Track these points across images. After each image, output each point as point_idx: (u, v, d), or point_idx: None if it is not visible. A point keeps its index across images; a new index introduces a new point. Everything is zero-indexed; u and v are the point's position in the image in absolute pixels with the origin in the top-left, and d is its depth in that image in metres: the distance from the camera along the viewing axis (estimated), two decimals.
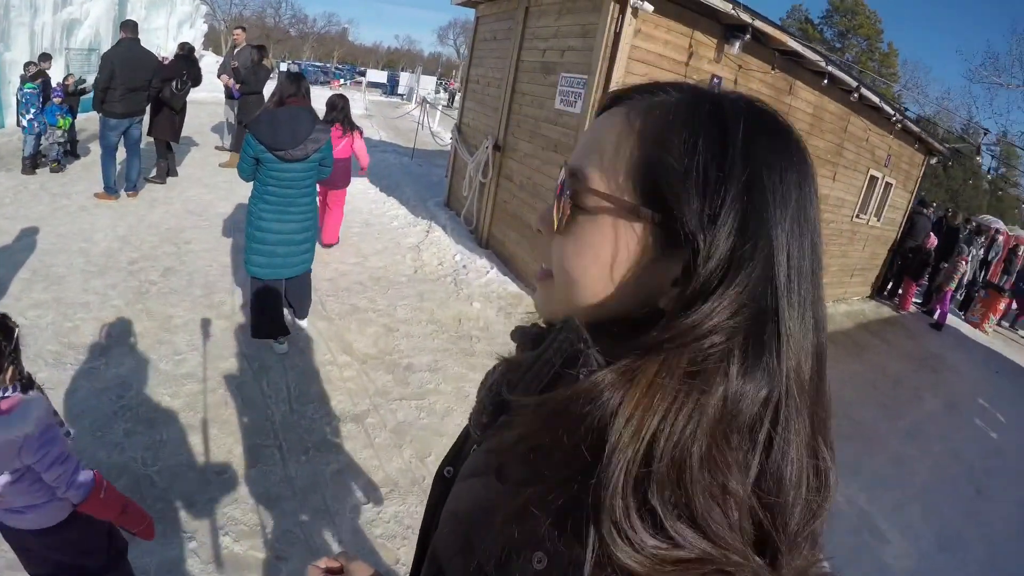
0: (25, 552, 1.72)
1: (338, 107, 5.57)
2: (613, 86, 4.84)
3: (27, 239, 5.77)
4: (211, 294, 5.02)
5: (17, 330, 1.67)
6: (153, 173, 7.88)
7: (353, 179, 6.34)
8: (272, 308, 3.86)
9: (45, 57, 9.11)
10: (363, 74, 44.29)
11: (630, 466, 0.42)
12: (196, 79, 8.08)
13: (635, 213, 0.49)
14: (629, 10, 4.55)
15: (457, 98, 32.97)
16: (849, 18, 37.97)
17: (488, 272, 5.86)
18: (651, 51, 4.91)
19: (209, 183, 8.25)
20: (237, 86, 8.99)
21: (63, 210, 6.61)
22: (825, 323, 0.50)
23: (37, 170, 7.92)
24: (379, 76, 42.65)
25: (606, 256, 0.50)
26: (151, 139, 7.87)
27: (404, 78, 39.59)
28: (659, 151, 0.48)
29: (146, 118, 7.46)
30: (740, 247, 0.45)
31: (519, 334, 0.65)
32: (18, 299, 4.60)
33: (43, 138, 7.97)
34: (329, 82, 37.98)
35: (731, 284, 0.44)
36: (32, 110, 7.78)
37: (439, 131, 15.57)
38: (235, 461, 3.14)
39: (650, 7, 4.50)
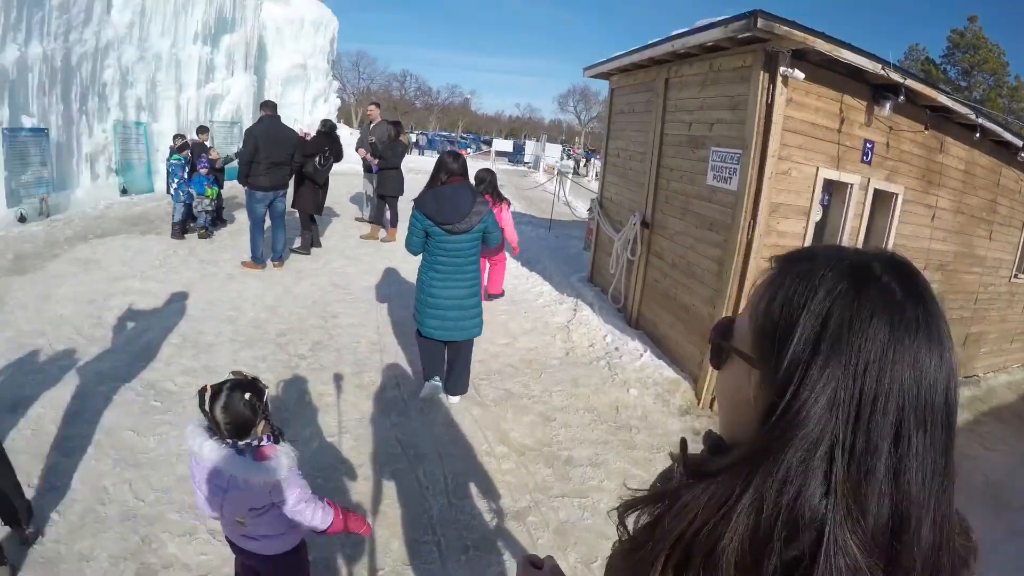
0: (249, 570, 2.54)
1: (486, 180, 7.49)
2: (769, 160, 5.18)
3: (177, 304, 7.17)
4: (361, 372, 5.84)
5: (267, 390, 2.38)
6: (298, 244, 9.64)
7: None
8: (435, 356, 5.17)
9: (203, 130, 11.73)
10: (489, 143, 53.61)
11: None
12: (338, 155, 9.91)
13: (752, 364, 0.77)
14: (780, 78, 5.10)
15: (582, 164, 39.97)
16: (972, 54, 42.42)
17: (642, 355, 6.48)
18: (803, 120, 5.41)
19: (352, 255, 9.86)
20: (376, 161, 10.91)
21: (212, 277, 8.20)
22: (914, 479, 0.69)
23: (186, 235, 10.09)
24: (505, 145, 51.31)
25: (732, 392, 0.82)
26: (295, 211, 9.60)
27: (529, 146, 47.26)
28: (774, 314, 0.74)
29: (290, 191, 9.15)
30: (822, 413, 0.68)
31: (709, 439, 0.89)
32: (168, 364, 5.69)
33: (192, 206, 10.09)
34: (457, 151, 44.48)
35: (800, 446, 0.68)
36: (176, 179, 10.00)
37: (572, 201, 17.55)
38: (393, 557, 3.56)
39: (801, 74, 5.02)
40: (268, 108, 8.60)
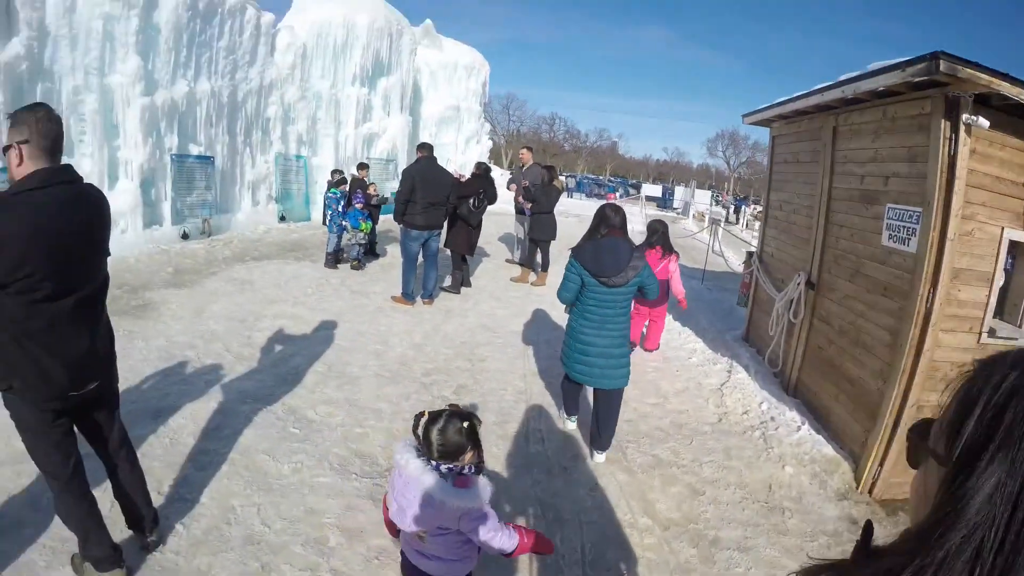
0: None
1: (659, 231, 7.62)
2: (952, 219, 4.64)
3: (325, 332, 7.16)
4: (505, 423, 5.45)
5: (479, 424, 2.50)
6: (448, 283, 9.59)
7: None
8: (576, 396, 5.41)
9: (363, 166, 12.14)
10: (637, 187, 53.52)
11: None
12: (492, 197, 9.83)
13: (940, 462, 0.80)
14: (962, 127, 4.50)
15: (731, 212, 38.70)
16: None
17: (799, 428, 5.94)
18: (988, 174, 4.78)
19: (501, 297, 9.69)
20: (529, 205, 10.86)
21: (361, 309, 8.22)
22: None
23: (339, 265, 10.44)
24: (654, 190, 50.62)
25: (923, 491, 0.85)
26: (447, 250, 9.58)
27: (679, 192, 46.60)
28: (958, 409, 0.79)
29: (443, 231, 9.13)
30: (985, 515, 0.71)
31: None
32: (312, 392, 5.55)
33: (344, 237, 10.41)
34: (605, 195, 45.39)
35: (959, 531, 0.71)
36: (329, 212, 10.36)
37: (724, 251, 16.71)
38: None
39: (986, 122, 4.41)
40: (425, 149, 8.67)
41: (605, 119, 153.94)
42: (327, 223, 10.53)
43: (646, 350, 7.93)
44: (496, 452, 4.92)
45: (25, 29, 9.75)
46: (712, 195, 47.85)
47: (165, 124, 12.16)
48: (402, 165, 19.17)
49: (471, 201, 9.16)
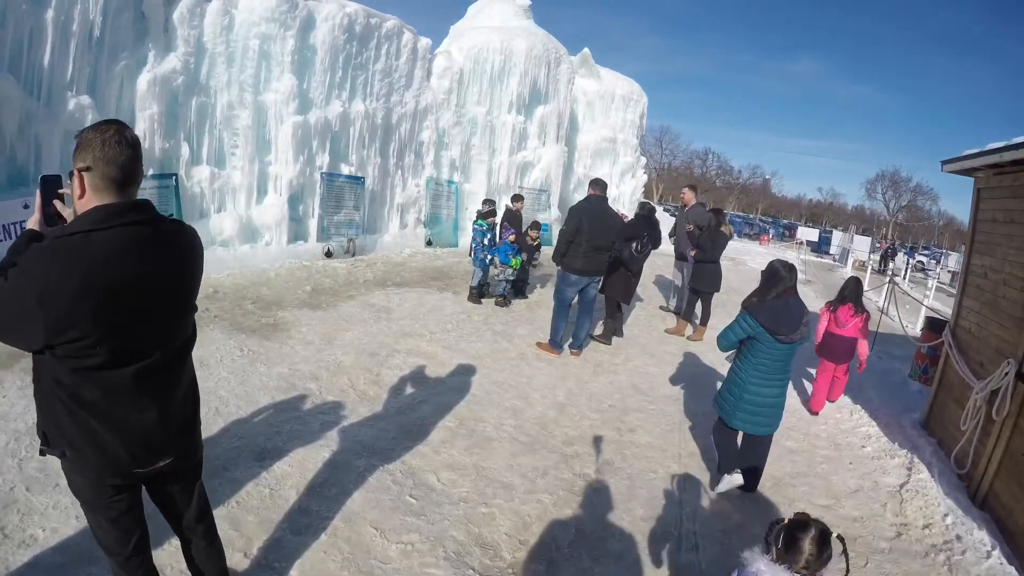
0: None
1: (850, 288, 7.45)
2: None
3: (461, 379, 6.50)
4: (652, 516, 4.49)
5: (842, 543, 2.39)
6: (599, 331, 8.73)
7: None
8: (734, 445, 5.24)
9: (518, 198, 11.43)
10: (791, 229, 50.51)
11: None
12: (656, 241, 8.89)
13: None
14: None
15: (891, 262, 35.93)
16: None
17: (989, 554, 5.01)
18: None
19: (655, 352, 8.67)
20: (692, 252, 9.77)
21: (502, 354, 7.51)
22: None
23: (483, 300, 9.85)
24: (810, 234, 47.22)
25: None
26: (601, 296, 8.65)
27: (836, 237, 43.60)
28: None
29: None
30: None
31: None
32: (437, 451, 4.84)
33: (492, 271, 9.83)
34: (758, 236, 43.59)
35: None
36: (474, 244, 9.79)
37: (884, 304, 14.27)
38: None
39: None
40: (598, 187, 7.80)
41: (759, 155, 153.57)
42: (472, 255, 9.99)
43: (829, 401, 7.66)
44: (643, 554, 4.01)
45: (182, 45, 10.26)
46: (875, 244, 44.20)
47: (317, 142, 12.36)
48: (555, 196, 18.81)
49: (634, 245, 8.27)
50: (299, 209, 12.48)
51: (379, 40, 13.46)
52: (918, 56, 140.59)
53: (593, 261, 7.53)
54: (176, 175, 10.12)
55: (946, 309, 18.38)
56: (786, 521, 2.40)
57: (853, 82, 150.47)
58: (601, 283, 8.36)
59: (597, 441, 5.55)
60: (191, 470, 2.58)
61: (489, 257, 9.81)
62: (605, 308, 8.83)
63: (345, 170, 13.09)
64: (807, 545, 2.30)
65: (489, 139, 16.73)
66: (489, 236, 9.83)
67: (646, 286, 12.88)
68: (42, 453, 2.24)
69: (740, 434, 5.24)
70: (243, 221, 11.17)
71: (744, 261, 20.36)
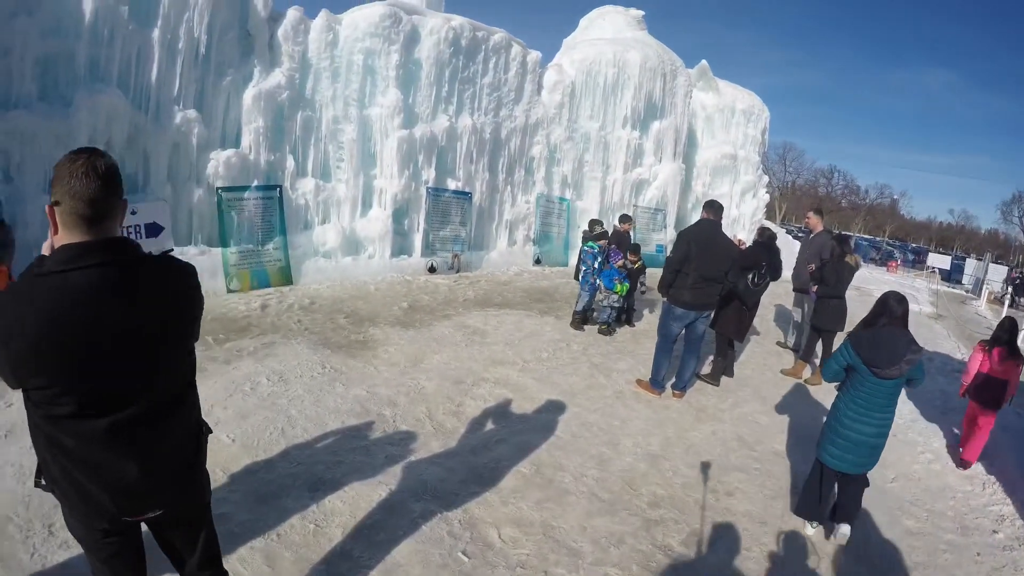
0: None
1: (1007, 329, 6.81)
2: None
3: (547, 417, 6.02)
4: None
5: None
6: (707, 369, 7.95)
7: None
8: (823, 492, 5.00)
9: (625, 218, 10.94)
10: (922, 254, 46.84)
11: None
12: (776, 271, 8.08)
13: None
14: None
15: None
16: None
17: None
18: None
19: (767, 396, 7.74)
20: (814, 287, 8.74)
21: (598, 390, 6.94)
22: None
23: (586, 327, 9.35)
24: (942, 261, 42.74)
25: None
26: (711, 331, 7.92)
27: (969, 265, 39.64)
28: None
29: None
30: None
31: None
32: (505, 502, 4.38)
33: (597, 297, 9.30)
34: (886, 263, 40.01)
35: None
36: (584, 268, 9.22)
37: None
38: None
39: None
40: (712, 211, 7.01)
41: (887, 174, 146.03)
42: (579, 278, 9.46)
43: (963, 461, 6.74)
44: None
45: (287, 61, 10.55)
46: (1012, 275, 39.75)
47: (423, 157, 12.32)
48: (671, 215, 17.99)
49: (750, 276, 7.43)
50: (404, 223, 12.50)
51: (486, 53, 13.29)
52: None
53: (703, 293, 6.77)
54: (280, 187, 10.29)
55: None
56: None
57: (988, 93, 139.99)
58: (712, 317, 7.62)
59: (688, 505, 4.88)
60: (194, 518, 2.38)
61: (597, 282, 9.23)
62: (715, 344, 8.02)
63: (452, 185, 12.97)
64: None
65: (603, 155, 16.18)
66: (600, 259, 9.22)
67: (763, 319, 11.89)
68: (36, 485, 2.13)
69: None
70: (346, 234, 11.27)
71: (871, 291, 18.40)
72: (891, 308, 4.91)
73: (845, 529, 4.96)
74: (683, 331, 7.01)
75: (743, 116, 20.77)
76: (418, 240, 12.45)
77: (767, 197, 22.81)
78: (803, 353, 9.13)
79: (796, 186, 66.90)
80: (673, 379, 7.22)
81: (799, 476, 5.58)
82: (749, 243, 8.76)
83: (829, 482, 5.05)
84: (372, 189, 11.85)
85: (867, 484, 5.09)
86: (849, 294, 8.47)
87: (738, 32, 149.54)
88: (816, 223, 9.97)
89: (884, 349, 4.72)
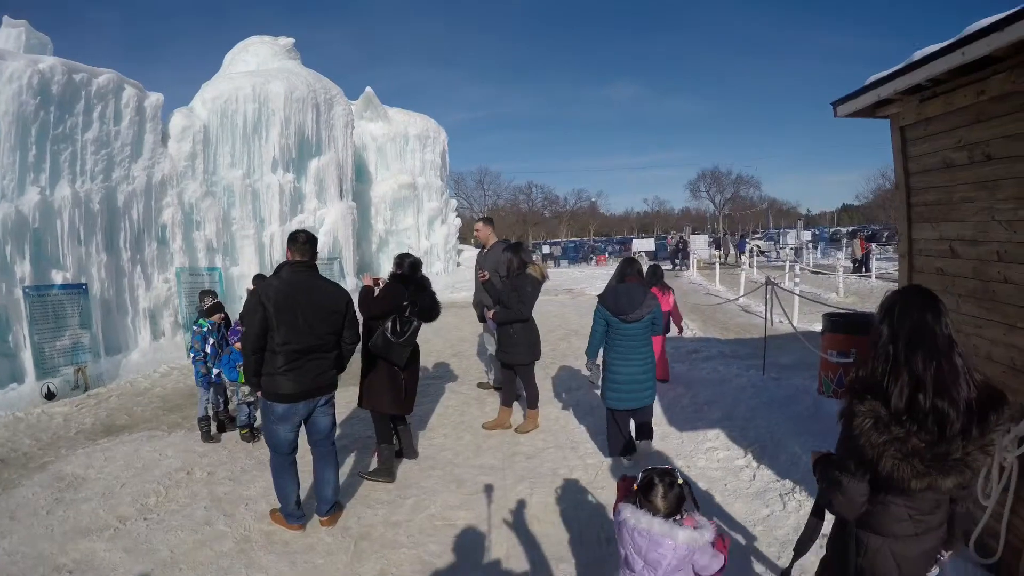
0: None
1: (656, 274, 9.30)
2: None
3: None
4: None
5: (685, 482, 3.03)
6: (373, 464, 6.19)
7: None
8: (622, 430, 6.28)
9: (259, 278, 8.42)
10: (626, 243, 53.03)
11: None
12: (428, 309, 6.38)
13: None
14: None
15: (733, 255, 38.18)
16: None
17: None
18: None
19: (465, 473, 6.12)
20: (490, 313, 7.47)
21: (212, 544, 4.87)
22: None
23: (223, 434, 7.31)
24: (646, 244, 48.86)
25: None
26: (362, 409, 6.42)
27: (673, 242, 45.00)
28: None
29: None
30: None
31: None
32: None
33: (229, 393, 7.39)
34: (596, 258, 44.49)
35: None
36: (192, 354, 7.30)
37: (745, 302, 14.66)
38: None
39: None
40: (295, 249, 5.07)
41: (582, 179, 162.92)
42: (196, 374, 7.35)
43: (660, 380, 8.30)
44: None
45: None
46: (710, 239, 46.90)
47: (11, 246, 9.55)
48: (349, 262, 16.38)
49: (388, 325, 5.85)
50: (8, 340, 9.62)
51: (89, 101, 10.80)
52: (726, 62, 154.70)
53: (305, 373, 4.91)
54: None
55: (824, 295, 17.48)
56: (641, 474, 3.00)
57: (662, 96, 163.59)
58: (360, 393, 6.10)
59: None
60: None
61: (215, 372, 7.19)
62: (376, 430, 6.19)
63: (58, 278, 10.20)
64: (657, 484, 2.89)
65: (253, 207, 14.30)
66: (213, 341, 7.21)
67: (460, 351, 10.88)
68: None
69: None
70: None
71: (583, 291, 18.69)
72: (621, 268, 6.51)
73: (646, 445, 6.43)
74: (294, 434, 5.08)
75: (418, 142, 20.25)
76: (28, 360, 9.55)
77: (459, 222, 22.60)
78: (503, 397, 7.68)
79: (498, 207, 70.23)
80: (316, 502, 5.30)
81: None
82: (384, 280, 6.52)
83: (624, 420, 6.26)
84: None
85: (651, 414, 6.47)
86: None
87: (435, 70, 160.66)
88: (487, 234, 8.52)
89: (624, 298, 5.98)
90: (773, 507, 5.19)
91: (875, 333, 2.46)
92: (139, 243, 12.03)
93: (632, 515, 2.88)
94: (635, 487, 2.97)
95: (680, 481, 2.93)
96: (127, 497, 5.87)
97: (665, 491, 2.89)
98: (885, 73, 4.71)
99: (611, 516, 3.21)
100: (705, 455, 6.48)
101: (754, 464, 6.14)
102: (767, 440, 6.64)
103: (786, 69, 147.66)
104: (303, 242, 5.05)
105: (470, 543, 4.88)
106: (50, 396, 9.46)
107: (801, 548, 2.96)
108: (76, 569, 4.71)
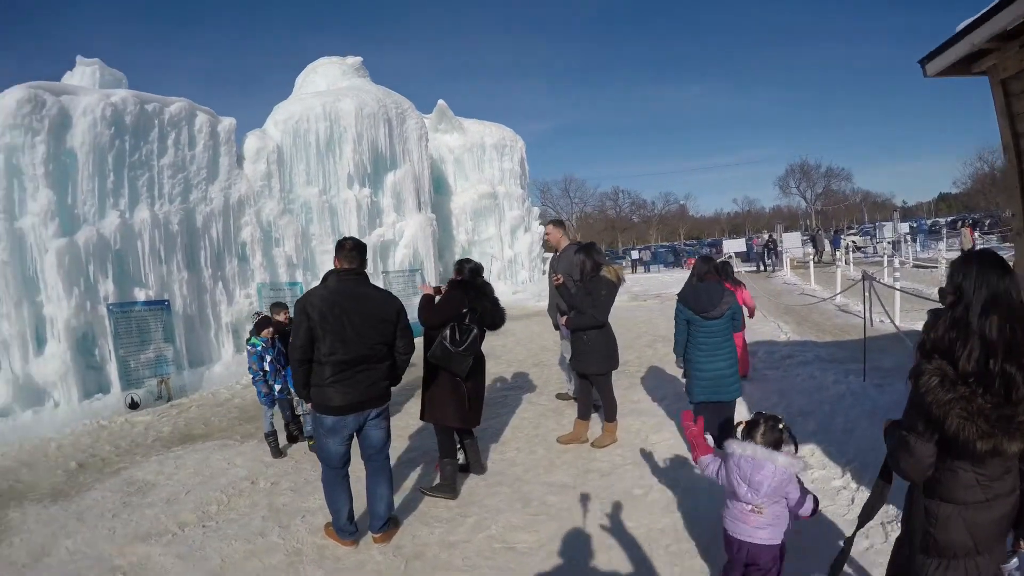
0: (748, 563, 3.49)
1: (727, 270, 8.96)
2: None
3: None
4: None
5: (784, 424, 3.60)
6: (437, 480, 5.89)
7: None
8: (710, 424, 5.72)
9: (279, 307, 7.77)
10: (717, 246, 51.82)
11: None
12: (491, 316, 6.04)
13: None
14: None
15: (828, 252, 36.48)
16: None
17: None
18: None
19: (532, 493, 5.66)
20: (563, 319, 7.01)
21: (262, 556, 4.76)
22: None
23: (291, 447, 7.25)
24: (737, 245, 48.26)
25: None
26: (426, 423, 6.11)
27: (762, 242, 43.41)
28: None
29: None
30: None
31: None
32: None
33: (295, 404, 7.32)
34: (685, 261, 43.45)
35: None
36: (252, 375, 7.22)
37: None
38: None
39: None
40: (342, 256, 4.84)
41: (668, 182, 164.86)
42: (258, 393, 7.31)
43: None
44: None
45: None
46: (803, 236, 45.64)
47: (95, 267, 9.94)
48: (432, 274, 16.41)
49: (446, 333, 5.59)
50: (95, 354, 10.01)
51: (163, 129, 11.20)
52: (808, 52, 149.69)
53: (354, 384, 4.68)
54: None
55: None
56: (744, 424, 3.54)
57: (743, 91, 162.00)
58: (422, 407, 5.80)
59: None
60: None
61: (278, 387, 7.10)
62: (438, 444, 5.87)
63: (141, 295, 10.58)
64: (761, 424, 3.43)
65: (331, 222, 14.50)
66: (270, 358, 7.09)
67: (541, 358, 10.59)
68: None
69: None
70: (19, 382, 8.80)
71: (672, 296, 17.76)
72: (698, 268, 6.50)
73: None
74: (346, 448, 4.87)
75: (495, 151, 20.16)
76: (113, 372, 9.93)
77: (541, 229, 22.35)
78: (579, 409, 7.19)
79: (586, 214, 70.96)
80: (370, 518, 5.03)
81: None
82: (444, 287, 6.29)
83: (710, 413, 6.01)
84: (43, 319, 9.37)
85: (733, 410, 6.39)
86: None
87: (511, 81, 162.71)
88: (558, 237, 8.11)
89: (704, 296, 6.06)
90: (874, 539, 4.34)
91: (948, 296, 2.43)
92: (220, 261, 12.39)
93: (739, 446, 3.40)
94: (744, 423, 3.53)
95: (781, 425, 3.42)
96: (190, 504, 5.91)
97: (766, 430, 3.39)
98: (977, 16, 4.14)
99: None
100: (798, 474, 5.79)
101: (853, 485, 5.26)
102: (868, 457, 5.60)
103: (869, 52, 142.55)
104: (350, 249, 4.82)
105: (528, 571, 4.46)
106: (134, 406, 9.80)
107: (866, 514, 2.90)
108: (130, 571, 4.77)
